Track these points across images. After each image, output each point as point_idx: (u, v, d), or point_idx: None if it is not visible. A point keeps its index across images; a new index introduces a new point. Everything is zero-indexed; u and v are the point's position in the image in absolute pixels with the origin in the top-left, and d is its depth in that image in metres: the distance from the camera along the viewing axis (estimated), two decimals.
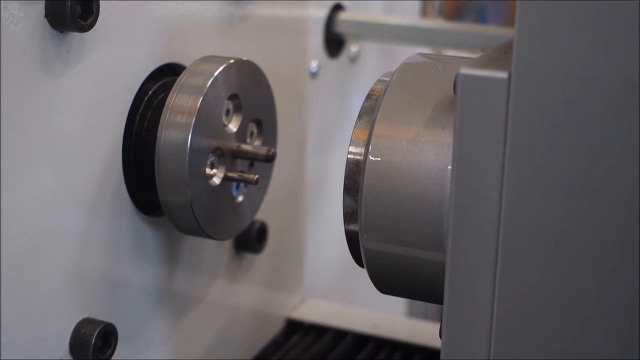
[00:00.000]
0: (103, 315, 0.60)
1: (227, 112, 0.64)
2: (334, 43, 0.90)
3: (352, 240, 0.54)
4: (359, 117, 0.54)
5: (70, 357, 0.58)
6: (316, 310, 0.87)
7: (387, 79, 0.54)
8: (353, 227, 0.53)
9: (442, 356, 0.47)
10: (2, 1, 0.50)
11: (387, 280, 0.53)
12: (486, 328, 0.46)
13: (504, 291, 0.45)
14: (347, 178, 0.53)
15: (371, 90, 0.55)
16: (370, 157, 0.51)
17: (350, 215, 0.53)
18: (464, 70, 0.44)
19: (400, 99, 0.52)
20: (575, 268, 0.44)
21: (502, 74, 0.43)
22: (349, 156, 0.53)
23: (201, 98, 0.60)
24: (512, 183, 0.44)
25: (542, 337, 0.45)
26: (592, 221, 0.43)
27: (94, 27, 0.54)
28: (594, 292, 0.44)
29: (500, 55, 0.47)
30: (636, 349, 0.44)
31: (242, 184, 0.66)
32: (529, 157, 0.43)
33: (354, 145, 0.53)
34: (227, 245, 0.74)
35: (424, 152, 0.50)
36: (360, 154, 0.52)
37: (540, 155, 0.43)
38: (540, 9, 0.42)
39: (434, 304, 0.55)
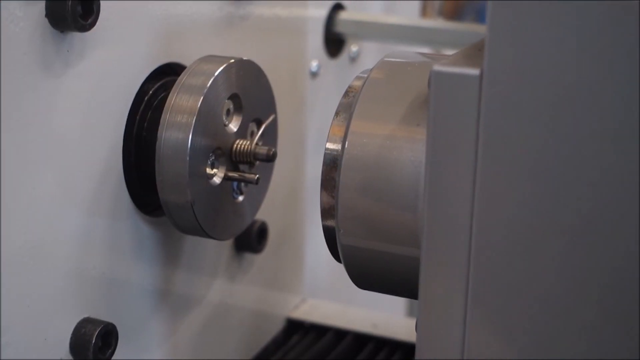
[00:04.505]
0: (103, 315, 0.60)
1: (228, 111, 0.64)
2: (334, 43, 0.90)
3: (330, 236, 0.54)
4: (337, 113, 0.55)
5: (70, 357, 0.58)
6: (316, 310, 0.87)
7: (366, 75, 0.55)
8: (330, 223, 0.54)
9: (417, 349, 0.48)
10: (2, 1, 0.50)
11: (365, 275, 0.54)
12: (460, 322, 0.46)
13: (476, 285, 0.46)
14: (324, 174, 0.53)
15: (349, 87, 0.56)
16: (346, 153, 0.51)
17: (327, 212, 0.54)
18: (437, 67, 0.45)
19: (377, 95, 0.53)
20: (548, 262, 0.44)
21: (474, 71, 0.44)
22: (326, 152, 0.53)
23: (201, 98, 0.60)
24: (484, 178, 0.44)
25: (515, 331, 0.45)
26: (563, 215, 0.43)
27: (95, 26, 0.54)
28: (567, 286, 0.44)
29: (475, 52, 0.47)
30: (609, 345, 0.44)
31: (242, 184, 0.66)
32: (500, 153, 0.44)
33: (331, 142, 0.54)
34: (227, 245, 0.74)
35: (400, 149, 0.50)
36: (337, 150, 0.53)
37: (511, 150, 0.44)
38: (512, 7, 0.42)
39: None
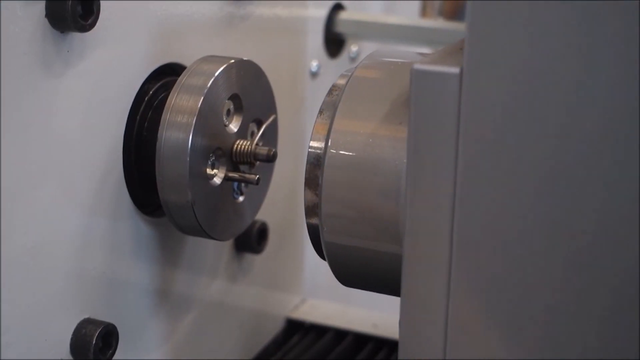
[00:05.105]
0: (104, 315, 0.60)
1: (228, 112, 0.64)
2: (334, 43, 0.89)
3: (314, 234, 0.55)
4: (320, 111, 0.55)
5: (71, 358, 0.58)
6: (316, 310, 0.87)
7: (350, 74, 0.55)
8: (314, 220, 0.54)
9: (399, 349, 0.48)
10: (2, 1, 0.50)
11: (348, 272, 0.54)
12: (442, 321, 0.47)
13: (458, 284, 0.46)
14: (307, 172, 0.54)
15: (333, 85, 0.56)
16: (329, 151, 0.52)
17: (311, 209, 0.54)
18: (417, 66, 0.45)
19: (360, 94, 0.53)
20: (530, 260, 0.44)
21: (454, 70, 0.44)
22: (309, 150, 0.54)
23: (202, 98, 0.60)
24: (464, 176, 0.45)
25: (497, 330, 0.46)
26: (545, 214, 0.44)
27: (95, 27, 0.54)
28: (549, 284, 0.44)
29: (456, 50, 0.48)
30: (591, 343, 0.44)
31: (242, 184, 0.66)
32: (480, 150, 0.44)
33: (314, 140, 0.54)
34: (227, 246, 0.74)
35: (382, 147, 0.51)
36: (320, 149, 0.53)
37: (491, 148, 0.44)
38: (491, 7, 0.43)
39: None
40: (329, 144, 0.52)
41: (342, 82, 0.56)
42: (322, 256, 0.55)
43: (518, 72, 0.43)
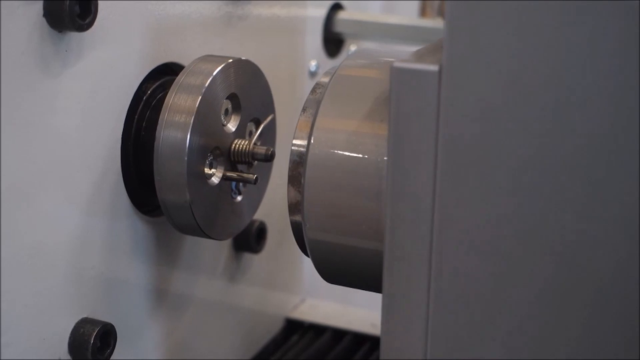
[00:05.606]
0: (102, 315, 0.60)
1: (226, 111, 0.64)
2: (333, 42, 0.89)
3: (297, 231, 0.55)
4: (303, 109, 0.55)
5: (69, 357, 0.58)
6: (315, 310, 0.87)
7: (333, 72, 0.55)
8: (297, 217, 0.54)
9: (381, 350, 0.48)
10: (0, 0, 0.50)
11: (331, 269, 0.55)
12: (423, 318, 0.47)
13: (438, 282, 0.46)
14: (290, 170, 0.54)
15: (317, 83, 0.56)
16: (312, 148, 0.52)
17: (294, 206, 0.54)
18: (397, 64, 0.45)
19: (343, 92, 0.54)
20: (509, 260, 0.44)
21: (433, 67, 0.44)
22: (292, 148, 0.54)
23: (200, 97, 0.60)
24: (444, 174, 0.45)
25: (476, 330, 0.46)
26: (524, 210, 0.44)
27: (92, 26, 0.54)
28: (527, 284, 0.44)
29: (437, 48, 0.48)
30: (569, 345, 0.44)
31: (241, 184, 0.66)
32: (459, 148, 0.44)
33: (297, 138, 0.54)
34: (226, 245, 0.74)
35: (364, 144, 0.51)
36: (303, 146, 0.54)
37: (470, 146, 0.44)
38: (468, 5, 0.43)
39: None
40: (312, 141, 0.52)
41: (325, 79, 0.56)
42: (305, 253, 0.55)
43: (496, 70, 0.43)
